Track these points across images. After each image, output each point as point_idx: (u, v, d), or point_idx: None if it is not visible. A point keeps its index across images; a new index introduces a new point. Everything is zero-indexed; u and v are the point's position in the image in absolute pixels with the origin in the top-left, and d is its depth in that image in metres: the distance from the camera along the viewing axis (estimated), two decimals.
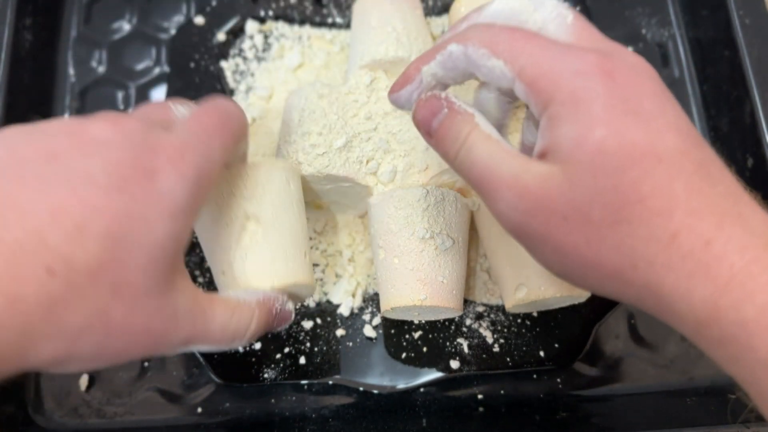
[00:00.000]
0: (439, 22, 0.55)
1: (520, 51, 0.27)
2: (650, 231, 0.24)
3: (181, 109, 0.33)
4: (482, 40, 0.28)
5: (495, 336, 0.47)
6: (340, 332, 0.47)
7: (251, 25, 0.55)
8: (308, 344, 0.47)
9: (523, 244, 0.28)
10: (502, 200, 0.27)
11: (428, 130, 0.31)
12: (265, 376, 0.46)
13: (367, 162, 0.45)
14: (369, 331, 0.47)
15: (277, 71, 0.54)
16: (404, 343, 0.47)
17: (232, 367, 0.47)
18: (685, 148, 0.25)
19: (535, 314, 0.47)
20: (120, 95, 0.55)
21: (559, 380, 0.46)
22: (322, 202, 0.48)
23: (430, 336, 0.47)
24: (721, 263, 0.23)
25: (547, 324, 0.47)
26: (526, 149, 0.34)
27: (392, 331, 0.47)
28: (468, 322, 0.47)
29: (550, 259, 0.27)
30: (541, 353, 0.46)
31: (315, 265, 0.49)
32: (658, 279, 0.24)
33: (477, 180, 0.28)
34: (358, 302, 0.48)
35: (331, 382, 0.46)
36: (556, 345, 0.46)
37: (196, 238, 0.50)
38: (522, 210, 0.26)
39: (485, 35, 0.28)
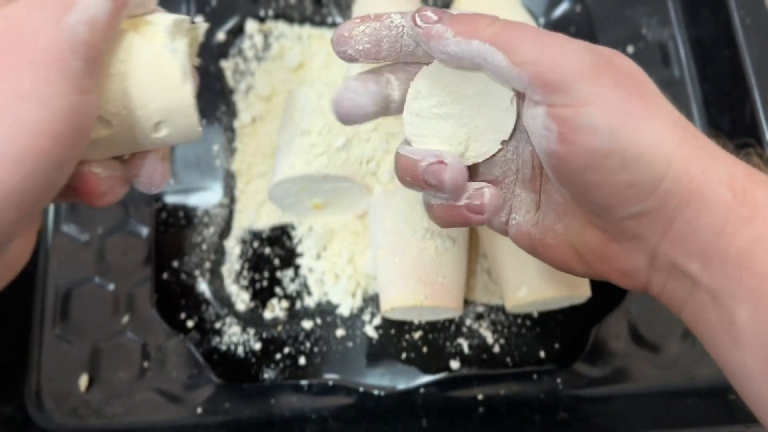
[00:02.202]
0: None
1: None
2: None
3: None
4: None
5: (495, 336, 0.47)
6: (340, 332, 0.47)
7: (251, 25, 0.55)
8: (308, 344, 0.47)
9: (592, 86, 0.26)
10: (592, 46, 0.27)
11: (439, 17, 0.28)
12: (265, 376, 0.46)
13: (367, 162, 0.45)
14: (369, 332, 0.47)
15: (276, 71, 0.54)
16: (404, 344, 0.47)
17: (232, 368, 0.47)
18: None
19: (535, 314, 0.47)
20: None
21: (559, 381, 0.46)
22: (321, 203, 0.48)
23: (430, 336, 0.47)
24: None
25: (547, 324, 0.47)
26: None
27: (392, 332, 0.47)
28: (468, 322, 0.47)
29: (621, 103, 0.26)
30: (542, 354, 0.46)
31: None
32: (707, 145, 0.27)
33: (536, 31, 0.27)
34: (358, 302, 0.48)
35: (331, 383, 0.46)
36: (557, 345, 0.46)
37: (196, 242, 0.50)
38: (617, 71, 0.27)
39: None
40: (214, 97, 0.53)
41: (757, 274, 0.24)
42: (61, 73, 0.24)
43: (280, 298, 0.49)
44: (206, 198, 0.51)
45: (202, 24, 0.31)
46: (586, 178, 0.26)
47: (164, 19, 0.28)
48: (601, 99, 0.25)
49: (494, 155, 0.30)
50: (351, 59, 0.30)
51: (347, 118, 0.30)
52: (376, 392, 0.46)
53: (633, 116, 0.25)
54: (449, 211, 0.30)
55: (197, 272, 0.49)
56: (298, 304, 0.48)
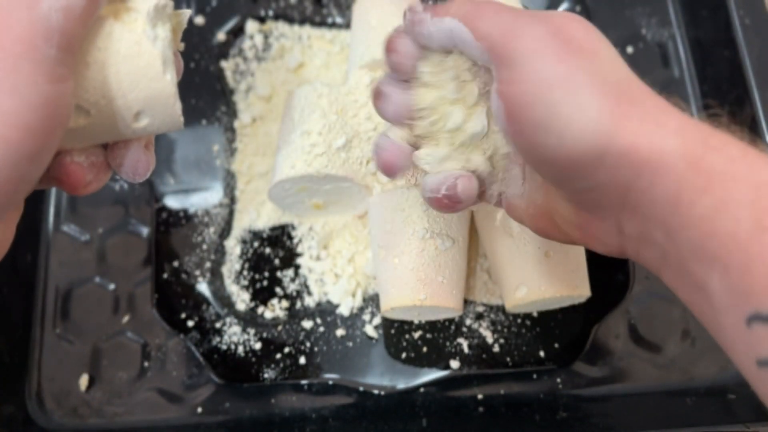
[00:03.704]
0: None
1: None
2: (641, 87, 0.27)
3: None
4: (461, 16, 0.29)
5: (495, 336, 0.47)
6: (340, 332, 0.47)
7: (251, 25, 0.55)
8: (308, 344, 0.47)
9: (530, 63, 0.27)
10: (536, 20, 0.27)
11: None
12: (265, 376, 0.46)
13: (367, 162, 0.45)
14: (369, 331, 0.47)
15: (277, 71, 0.54)
16: (404, 343, 0.47)
17: (232, 367, 0.47)
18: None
19: (535, 314, 0.47)
20: None
21: (559, 380, 0.46)
22: (321, 203, 0.48)
23: (430, 336, 0.47)
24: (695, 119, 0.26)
25: (547, 324, 0.47)
26: None
27: (392, 331, 0.47)
28: (468, 322, 0.47)
29: (556, 79, 0.26)
30: (541, 353, 0.46)
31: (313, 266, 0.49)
32: (655, 114, 0.25)
33: (494, 11, 0.28)
34: (358, 302, 0.48)
35: (331, 382, 0.46)
36: (556, 345, 0.46)
37: (195, 241, 0.50)
38: (554, 33, 0.27)
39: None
40: (214, 97, 0.54)
41: (720, 240, 0.24)
42: (33, 61, 0.23)
43: (280, 298, 0.49)
44: (206, 198, 0.51)
45: (185, 11, 0.30)
46: (534, 154, 0.28)
47: (145, 4, 0.27)
48: (540, 76, 0.26)
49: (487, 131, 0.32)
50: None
51: (392, 171, 0.34)
52: (376, 392, 0.46)
53: (570, 93, 0.25)
54: (435, 202, 0.33)
55: (197, 272, 0.49)
56: (298, 304, 0.48)
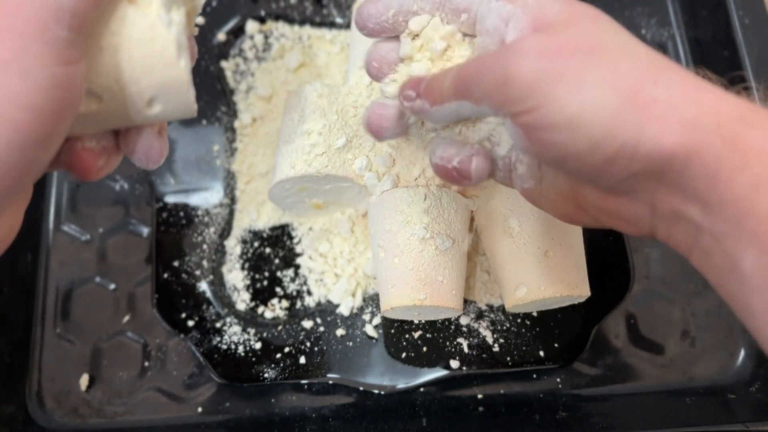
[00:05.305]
0: None
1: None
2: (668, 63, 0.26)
3: None
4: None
5: (495, 336, 0.47)
6: (340, 332, 0.47)
7: (251, 25, 0.55)
8: (308, 344, 0.47)
9: (537, 91, 0.26)
10: (520, 50, 0.27)
11: (417, 92, 0.31)
12: (266, 375, 0.47)
13: (367, 162, 0.45)
14: (369, 331, 0.47)
15: (277, 71, 0.54)
16: (404, 343, 0.47)
17: (232, 367, 0.47)
18: None
19: (534, 314, 0.47)
20: None
21: (558, 380, 0.46)
22: (321, 203, 0.48)
23: (430, 336, 0.47)
24: (729, 96, 0.25)
25: (546, 324, 0.47)
26: None
27: (392, 331, 0.47)
28: (468, 321, 0.47)
29: (566, 93, 0.26)
30: (541, 353, 0.46)
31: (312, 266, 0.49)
32: (684, 91, 0.25)
33: (476, 69, 0.28)
34: (358, 302, 0.48)
35: (331, 382, 0.47)
36: (556, 345, 0.47)
37: (191, 242, 0.50)
38: (545, 47, 0.26)
39: None
40: (215, 97, 0.54)
41: (758, 219, 0.23)
42: (43, 42, 0.23)
43: (280, 298, 0.49)
44: (207, 198, 0.51)
45: None
46: (564, 165, 0.28)
47: None
48: (550, 98, 0.26)
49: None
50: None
51: (378, 132, 0.35)
52: (376, 391, 0.46)
53: (587, 101, 0.25)
54: (442, 170, 0.33)
55: (198, 272, 0.49)
56: (298, 304, 0.48)
